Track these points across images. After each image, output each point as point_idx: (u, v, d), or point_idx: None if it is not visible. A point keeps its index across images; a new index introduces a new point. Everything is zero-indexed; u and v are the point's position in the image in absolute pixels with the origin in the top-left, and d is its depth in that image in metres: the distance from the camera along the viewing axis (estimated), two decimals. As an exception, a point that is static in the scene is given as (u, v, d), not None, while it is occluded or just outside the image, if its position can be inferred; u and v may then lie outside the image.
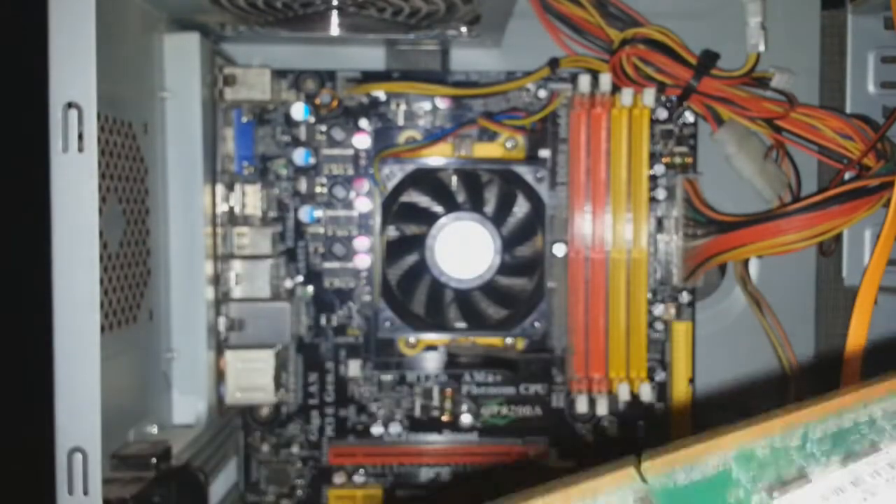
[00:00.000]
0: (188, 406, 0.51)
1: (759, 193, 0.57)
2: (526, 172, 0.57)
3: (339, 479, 0.59)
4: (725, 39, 0.56)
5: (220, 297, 0.54)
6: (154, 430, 0.47)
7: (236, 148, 0.57)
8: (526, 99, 0.58)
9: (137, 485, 0.41)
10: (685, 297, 0.57)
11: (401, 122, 0.58)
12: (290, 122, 0.58)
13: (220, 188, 0.53)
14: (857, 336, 0.45)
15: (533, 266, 0.58)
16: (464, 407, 0.59)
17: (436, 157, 0.57)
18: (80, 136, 0.38)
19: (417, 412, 0.59)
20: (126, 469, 0.41)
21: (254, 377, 0.54)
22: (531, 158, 0.58)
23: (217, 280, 0.53)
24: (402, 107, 0.58)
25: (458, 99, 0.58)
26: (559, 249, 0.57)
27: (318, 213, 0.58)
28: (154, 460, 0.42)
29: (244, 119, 0.57)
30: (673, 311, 0.57)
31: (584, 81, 0.56)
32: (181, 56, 0.50)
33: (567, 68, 0.57)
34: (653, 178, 0.57)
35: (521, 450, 0.58)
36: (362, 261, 0.58)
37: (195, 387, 0.51)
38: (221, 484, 0.55)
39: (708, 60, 0.54)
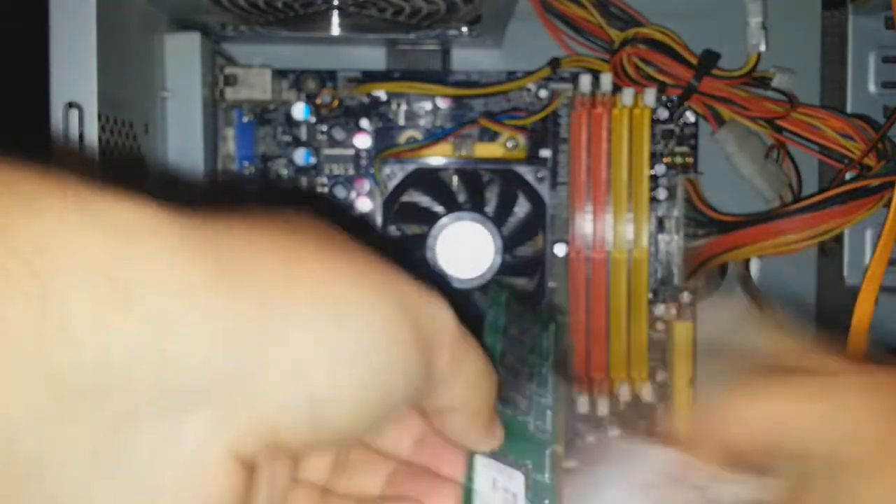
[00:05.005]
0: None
1: (759, 193, 0.57)
2: (527, 172, 0.57)
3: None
4: (726, 39, 0.56)
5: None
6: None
7: (237, 148, 0.57)
8: (527, 99, 0.58)
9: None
10: (686, 298, 0.57)
11: (401, 121, 0.58)
12: (290, 122, 0.58)
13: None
14: (858, 336, 0.45)
15: (534, 266, 0.58)
16: (464, 407, 0.59)
17: (437, 157, 0.57)
18: (81, 137, 0.39)
19: (418, 412, 0.59)
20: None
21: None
22: (532, 158, 0.58)
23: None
24: (403, 107, 0.58)
25: (458, 99, 0.58)
26: (560, 249, 0.57)
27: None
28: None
29: (245, 119, 0.57)
30: (674, 311, 0.57)
31: (585, 81, 0.55)
32: (182, 56, 0.50)
33: (568, 68, 0.57)
34: (654, 178, 0.57)
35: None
36: (363, 261, 0.58)
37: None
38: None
39: (709, 60, 0.54)
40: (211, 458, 0.19)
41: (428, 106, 0.58)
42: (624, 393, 0.56)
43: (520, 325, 0.35)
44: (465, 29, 0.53)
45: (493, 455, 0.30)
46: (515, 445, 0.30)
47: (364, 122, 0.58)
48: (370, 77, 0.58)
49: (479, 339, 0.28)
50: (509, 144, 0.58)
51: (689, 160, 0.57)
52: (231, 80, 0.55)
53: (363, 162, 0.58)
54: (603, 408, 0.57)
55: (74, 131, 0.38)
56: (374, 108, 0.58)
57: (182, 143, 0.50)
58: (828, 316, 0.61)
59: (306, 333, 0.20)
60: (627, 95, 0.55)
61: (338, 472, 0.29)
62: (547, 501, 0.30)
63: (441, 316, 0.24)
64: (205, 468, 0.19)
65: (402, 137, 0.58)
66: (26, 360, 0.16)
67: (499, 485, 0.29)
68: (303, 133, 0.58)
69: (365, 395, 0.22)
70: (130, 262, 0.18)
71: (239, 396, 0.20)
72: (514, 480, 0.30)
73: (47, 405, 0.17)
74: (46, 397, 0.17)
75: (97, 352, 0.17)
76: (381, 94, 0.58)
